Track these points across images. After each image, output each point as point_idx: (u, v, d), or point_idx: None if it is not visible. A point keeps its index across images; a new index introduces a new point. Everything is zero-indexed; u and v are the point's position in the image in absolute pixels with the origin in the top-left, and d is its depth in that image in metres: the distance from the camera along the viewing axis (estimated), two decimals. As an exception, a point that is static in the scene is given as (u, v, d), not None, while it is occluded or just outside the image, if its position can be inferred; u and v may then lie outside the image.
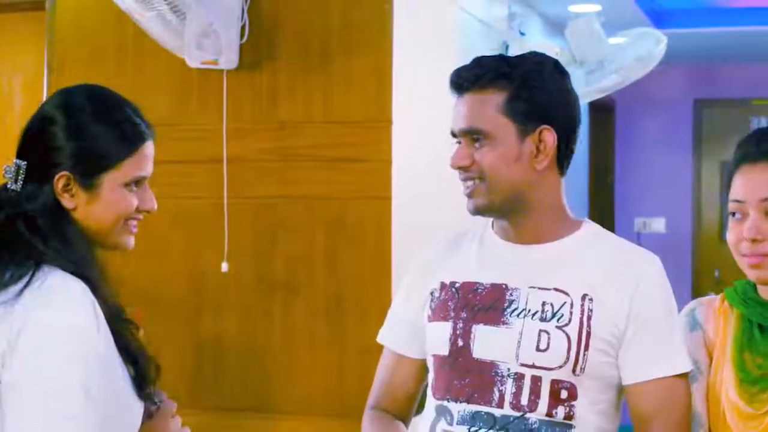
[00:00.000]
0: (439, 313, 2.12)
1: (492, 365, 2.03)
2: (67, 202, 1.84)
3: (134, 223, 1.91)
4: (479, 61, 2.08)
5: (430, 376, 2.14)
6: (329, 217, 4.12)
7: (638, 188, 7.84)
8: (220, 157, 4.18)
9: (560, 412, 2.00)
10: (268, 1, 4.16)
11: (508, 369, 2.02)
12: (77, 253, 1.81)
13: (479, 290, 2.08)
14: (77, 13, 4.42)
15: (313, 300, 4.14)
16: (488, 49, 4.22)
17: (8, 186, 1.85)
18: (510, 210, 2.08)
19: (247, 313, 4.21)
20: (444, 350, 2.08)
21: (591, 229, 2.15)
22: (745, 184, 2.03)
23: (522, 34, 4.58)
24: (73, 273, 1.77)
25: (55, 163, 1.83)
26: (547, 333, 2.01)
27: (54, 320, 1.72)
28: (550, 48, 4.36)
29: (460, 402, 2.04)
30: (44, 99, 2.54)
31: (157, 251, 4.28)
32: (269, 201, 4.19)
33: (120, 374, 1.80)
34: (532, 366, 2.01)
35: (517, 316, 2.04)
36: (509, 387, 2.01)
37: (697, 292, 7.10)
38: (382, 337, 2.27)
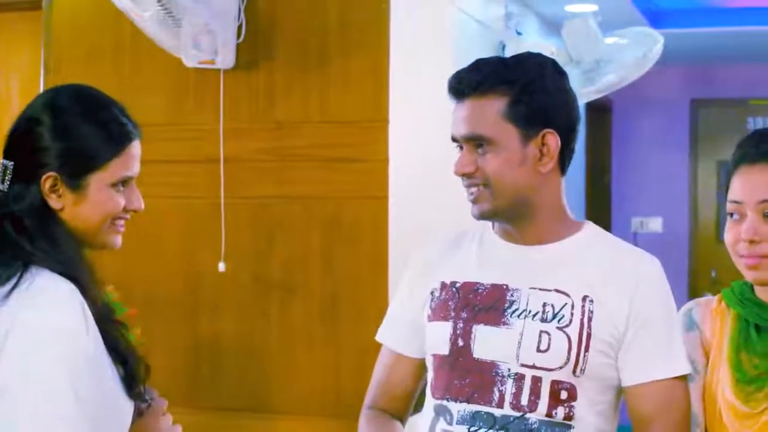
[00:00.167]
0: (439, 312, 2.11)
1: (492, 365, 2.03)
2: (54, 202, 1.83)
3: (121, 222, 1.90)
4: (479, 66, 2.07)
5: (429, 375, 2.13)
6: (326, 217, 4.11)
7: (635, 188, 7.85)
8: (217, 157, 4.18)
9: (560, 412, 2.01)
10: (264, 1, 4.16)
11: (509, 369, 2.02)
12: (65, 253, 1.81)
13: (480, 290, 2.08)
14: (74, 13, 4.42)
15: (310, 300, 4.13)
16: (485, 48, 4.23)
17: None
18: (515, 214, 2.08)
19: (244, 313, 4.21)
20: (444, 350, 2.08)
21: (591, 230, 2.15)
22: (744, 185, 2.03)
23: (519, 33, 4.59)
24: (61, 274, 1.77)
25: (42, 164, 1.82)
26: (548, 334, 2.01)
27: (42, 321, 1.71)
28: (546, 48, 4.36)
29: (460, 402, 2.04)
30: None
31: (153, 251, 4.28)
32: (266, 201, 4.19)
33: (109, 374, 1.80)
34: (533, 366, 2.01)
35: (518, 316, 2.04)
36: (509, 387, 2.02)
37: (693, 292, 7.11)
38: (381, 336, 2.27)
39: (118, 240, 1.91)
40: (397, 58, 3.98)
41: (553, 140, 2.05)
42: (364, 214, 4.06)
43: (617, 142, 7.92)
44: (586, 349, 2.01)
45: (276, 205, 4.18)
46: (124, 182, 1.88)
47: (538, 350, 2.01)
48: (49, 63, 4.42)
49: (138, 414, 1.86)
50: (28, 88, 4.75)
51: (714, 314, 2.12)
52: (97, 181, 1.84)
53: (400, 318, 2.23)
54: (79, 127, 1.83)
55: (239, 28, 4.11)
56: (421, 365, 2.20)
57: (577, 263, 2.08)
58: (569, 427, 2.01)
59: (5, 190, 1.83)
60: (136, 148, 1.90)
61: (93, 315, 1.76)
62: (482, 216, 2.09)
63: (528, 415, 2.00)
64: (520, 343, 2.02)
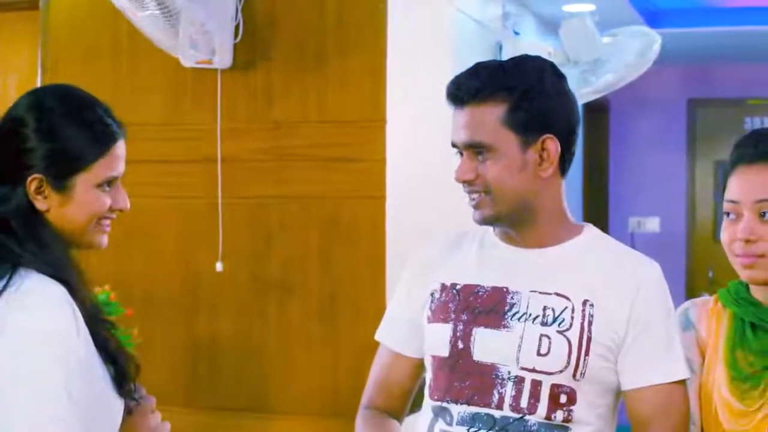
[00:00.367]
0: (439, 314, 2.11)
1: (492, 368, 2.03)
2: (40, 204, 1.82)
3: (107, 222, 1.89)
4: (477, 72, 2.06)
5: (428, 376, 2.13)
6: (324, 217, 4.11)
7: (632, 188, 7.84)
8: (215, 157, 4.18)
9: (559, 415, 2.01)
10: (262, 1, 4.16)
11: (509, 372, 2.02)
12: (53, 255, 1.80)
13: (480, 293, 2.08)
14: (71, 13, 4.41)
15: (307, 300, 4.13)
16: (482, 48, 4.23)
17: None
18: (516, 219, 2.08)
19: (242, 312, 4.21)
20: (444, 352, 2.08)
21: (592, 233, 2.15)
22: (741, 185, 2.03)
23: (516, 33, 4.59)
24: (50, 276, 1.76)
25: (28, 166, 1.81)
26: (548, 337, 2.01)
27: (32, 324, 1.71)
28: (543, 48, 4.37)
29: (460, 404, 2.04)
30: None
31: (151, 251, 4.28)
32: (264, 201, 4.19)
33: (100, 374, 1.80)
34: (533, 370, 2.01)
35: (518, 319, 2.04)
36: (509, 390, 2.02)
37: (690, 292, 7.11)
38: (380, 336, 2.27)
39: (104, 239, 1.90)
40: (394, 57, 3.98)
41: (552, 145, 2.05)
42: (362, 213, 4.06)
43: (614, 142, 7.92)
44: (587, 353, 2.01)
45: (274, 204, 4.18)
46: (110, 182, 1.87)
47: (539, 354, 2.01)
48: (47, 63, 4.42)
49: (127, 412, 1.85)
50: (26, 88, 4.68)
51: (710, 314, 2.13)
52: (83, 182, 1.83)
53: (399, 318, 2.23)
54: (63, 128, 1.83)
55: (236, 27, 4.11)
56: (419, 365, 2.20)
57: (578, 267, 2.08)
58: (568, 429, 2.01)
59: None
60: (120, 148, 1.88)
61: (83, 316, 1.76)
62: (484, 221, 2.09)
63: (527, 417, 2.00)
64: (520, 346, 2.02)
